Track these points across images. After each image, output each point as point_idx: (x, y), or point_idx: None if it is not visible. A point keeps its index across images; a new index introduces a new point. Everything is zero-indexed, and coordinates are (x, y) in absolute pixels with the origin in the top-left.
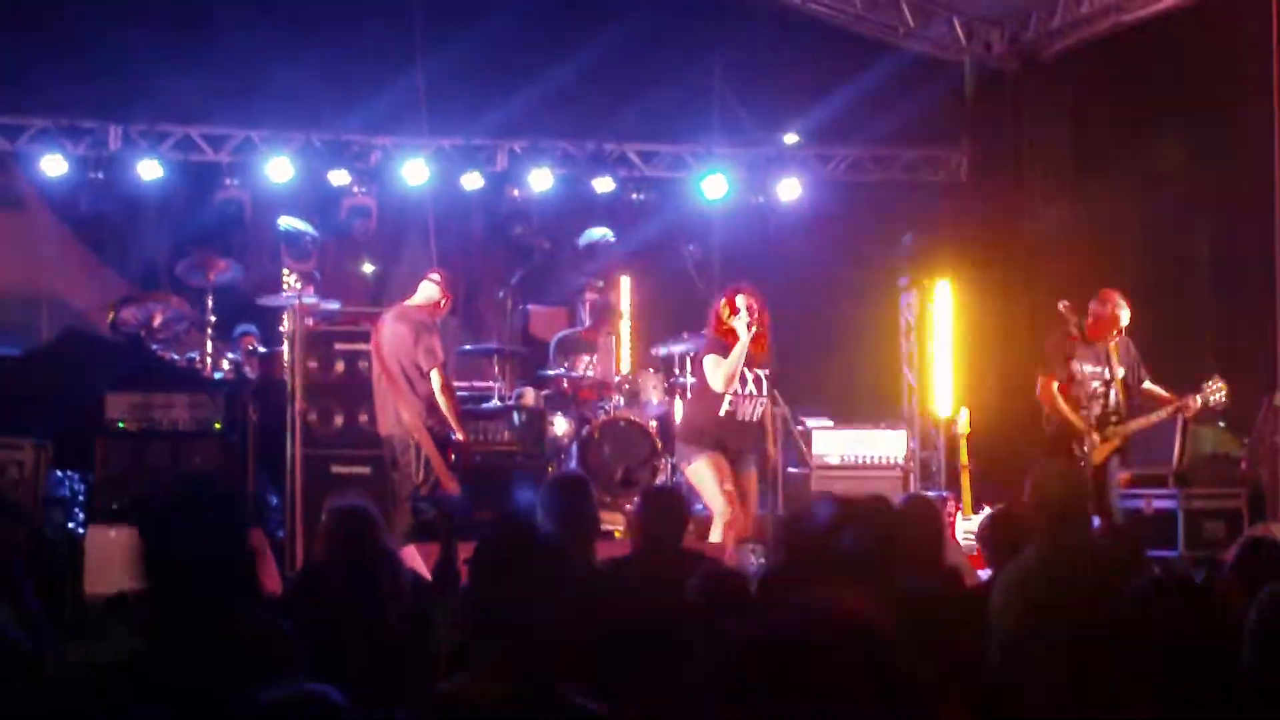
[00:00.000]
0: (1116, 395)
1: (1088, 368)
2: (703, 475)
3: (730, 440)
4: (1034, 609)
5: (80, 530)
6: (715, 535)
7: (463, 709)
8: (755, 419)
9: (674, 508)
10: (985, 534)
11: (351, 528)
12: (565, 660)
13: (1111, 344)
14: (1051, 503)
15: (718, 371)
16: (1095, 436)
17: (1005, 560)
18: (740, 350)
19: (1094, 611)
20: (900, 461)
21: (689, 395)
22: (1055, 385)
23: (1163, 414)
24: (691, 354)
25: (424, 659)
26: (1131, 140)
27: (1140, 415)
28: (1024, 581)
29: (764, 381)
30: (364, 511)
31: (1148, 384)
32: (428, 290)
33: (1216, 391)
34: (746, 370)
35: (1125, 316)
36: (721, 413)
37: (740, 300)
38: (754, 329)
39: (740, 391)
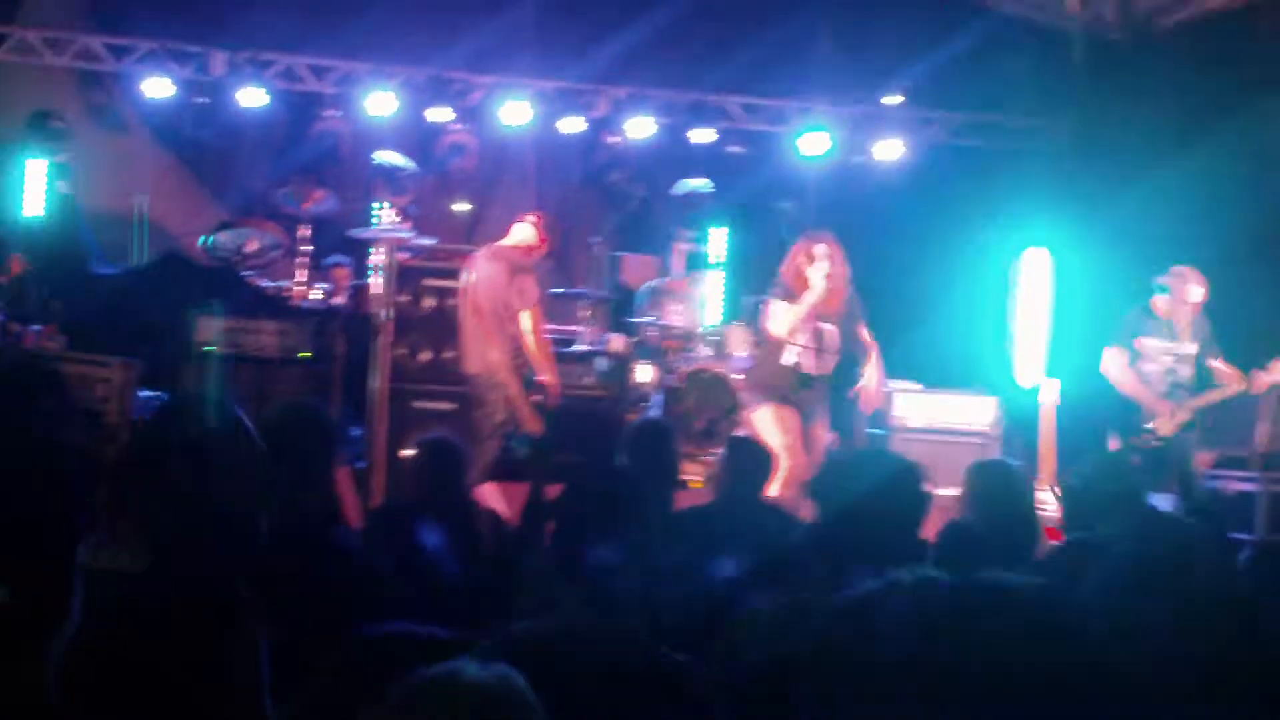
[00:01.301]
0: (1187, 371)
1: (1160, 343)
2: (765, 424)
3: (794, 393)
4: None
5: None
6: (773, 488)
7: (540, 651)
8: (822, 373)
9: (758, 457)
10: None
11: (442, 463)
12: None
13: (1184, 320)
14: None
15: (782, 316)
16: (1162, 410)
17: None
18: (811, 298)
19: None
20: (985, 430)
21: (760, 346)
22: (1121, 358)
23: (1229, 390)
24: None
25: (506, 597)
26: (1239, 116)
27: (1209, 391)
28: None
29: (833, 336)
30: (454, 447)
31: (1217, 362)
32: (523, 232)
33: None
34: (815, 326)
35: (1198, 293)
36: (786, 362)
37: (819, 250)
38: (830, 279)
39: (806, 343)
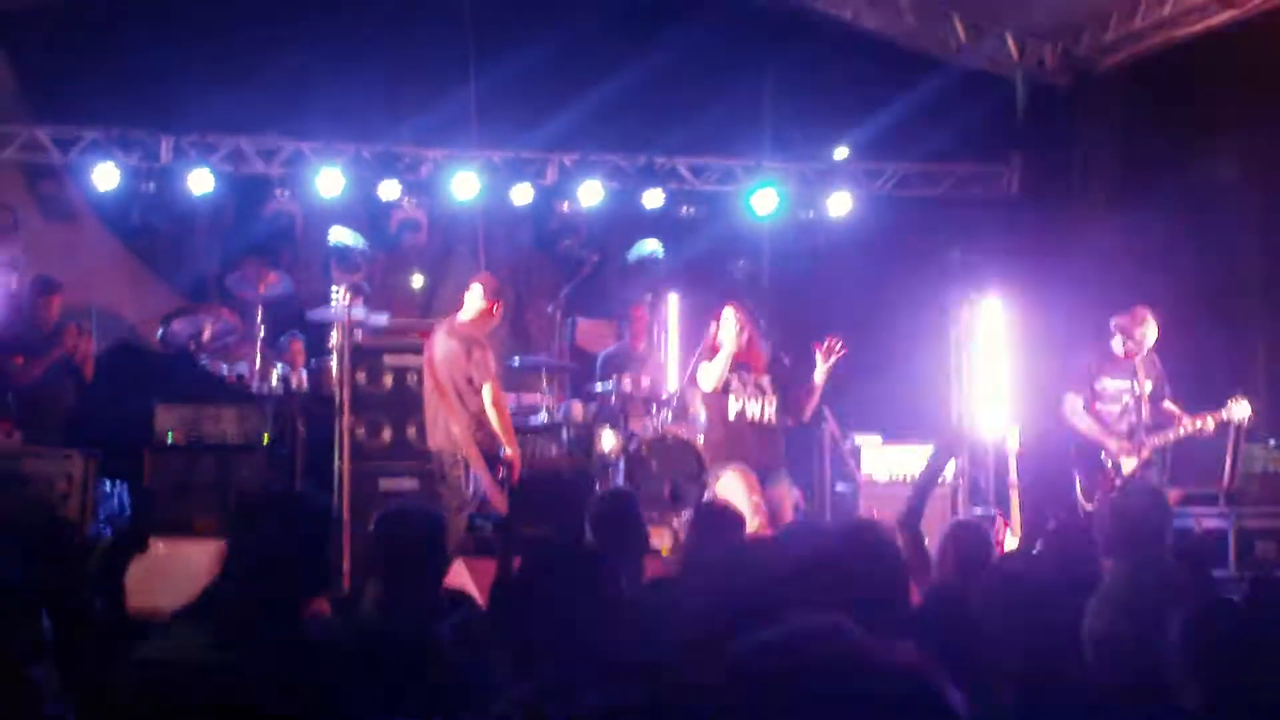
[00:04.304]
0: (1145, 410)
1: (1117, 383)
2: (731, 487)
3: (748, 449)
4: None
5: None
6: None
7: None
8: (769, 420)
9: (729, 524)
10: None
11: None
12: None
13: (1139, 360)
14: (1133, 519)
15: (707, 372)
16: (1125, 450)
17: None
18: (726, 352)
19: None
20: (949, 479)
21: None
22: (1080, 402)
23: (1184, 430)
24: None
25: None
26: (1183, 156)
27: (1165, 430)
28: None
29: (766, 385)
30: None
31: (1167, 403)
32: (474, 299)
33: (1238, 411)
34: (746, 375)
35: (1153, 333)
36: (732, 415)
37: (727, 313)
38: (742, 335)
39: (744, 391)
